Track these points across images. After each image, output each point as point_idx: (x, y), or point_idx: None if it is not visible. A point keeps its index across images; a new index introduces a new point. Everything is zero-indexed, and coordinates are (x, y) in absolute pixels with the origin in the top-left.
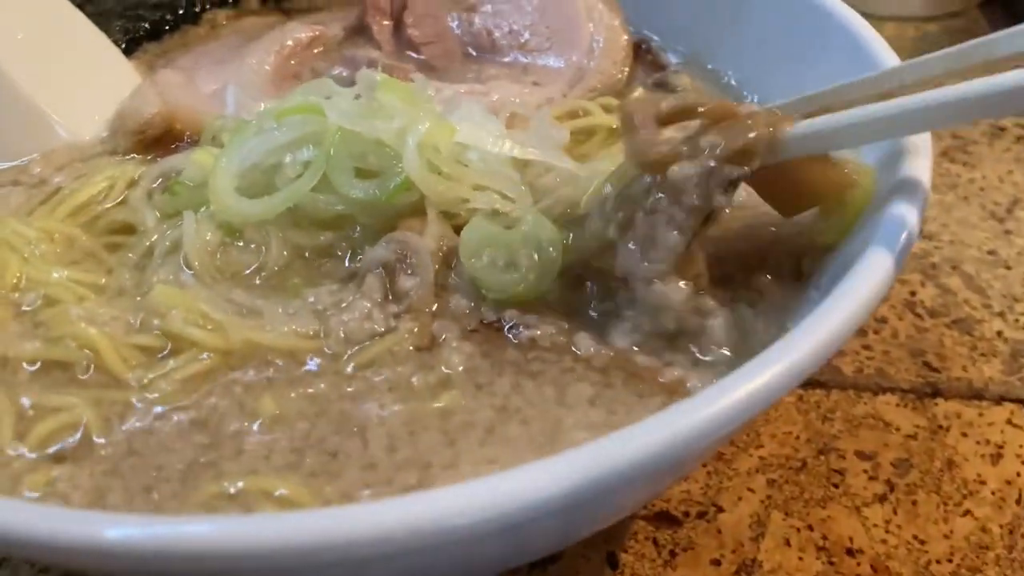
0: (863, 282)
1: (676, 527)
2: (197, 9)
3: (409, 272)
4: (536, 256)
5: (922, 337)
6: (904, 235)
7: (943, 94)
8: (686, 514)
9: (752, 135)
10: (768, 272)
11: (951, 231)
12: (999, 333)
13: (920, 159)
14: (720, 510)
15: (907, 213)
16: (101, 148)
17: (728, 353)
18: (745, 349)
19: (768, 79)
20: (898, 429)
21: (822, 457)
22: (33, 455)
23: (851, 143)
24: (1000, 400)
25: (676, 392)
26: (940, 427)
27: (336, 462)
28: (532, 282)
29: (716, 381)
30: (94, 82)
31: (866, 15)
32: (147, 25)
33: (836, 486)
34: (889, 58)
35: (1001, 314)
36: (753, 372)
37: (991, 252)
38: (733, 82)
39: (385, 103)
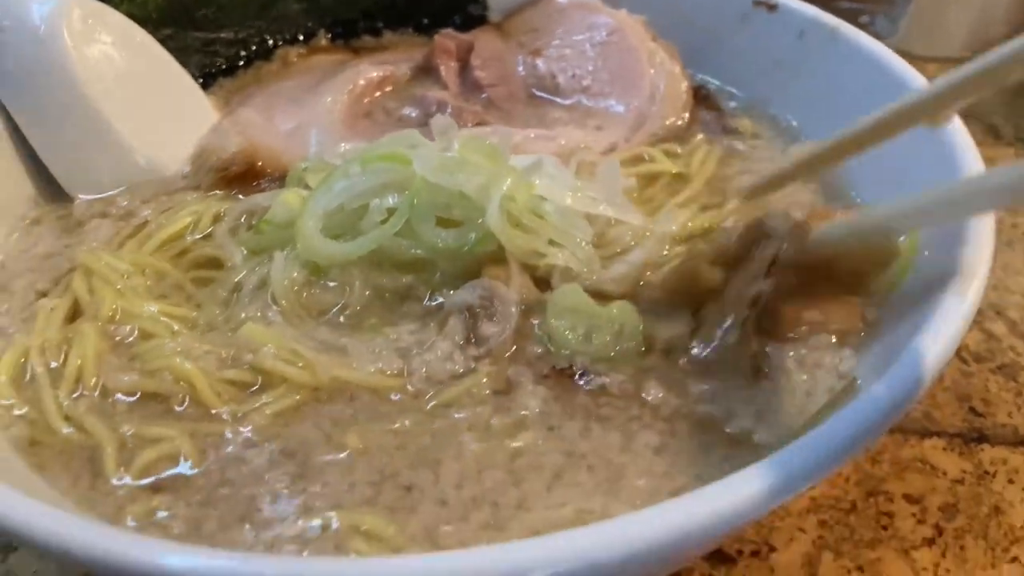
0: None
1: (731, 565)
2: (270, 45)
3: (493, 319)
4: (613, 339)
5: (967, 382)
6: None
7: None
8: (740, 552)
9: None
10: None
11: (996, 276)
12: None
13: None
14: (772, 549)
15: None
16: (184, 183)
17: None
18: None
19: (830, 127)
20: (945, 473)
21: (871, 499)
22: (135, 484)
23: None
24: None
25: (741, 444)
26: (986, 472)
27: (410, 496)
28: (605, 356)
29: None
30: (177, 118)
31: (908, 56)
32: (222, 61)
33: (885, 528)
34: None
35: None
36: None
37: None
38: (794, 123)
39: (469, 159)
